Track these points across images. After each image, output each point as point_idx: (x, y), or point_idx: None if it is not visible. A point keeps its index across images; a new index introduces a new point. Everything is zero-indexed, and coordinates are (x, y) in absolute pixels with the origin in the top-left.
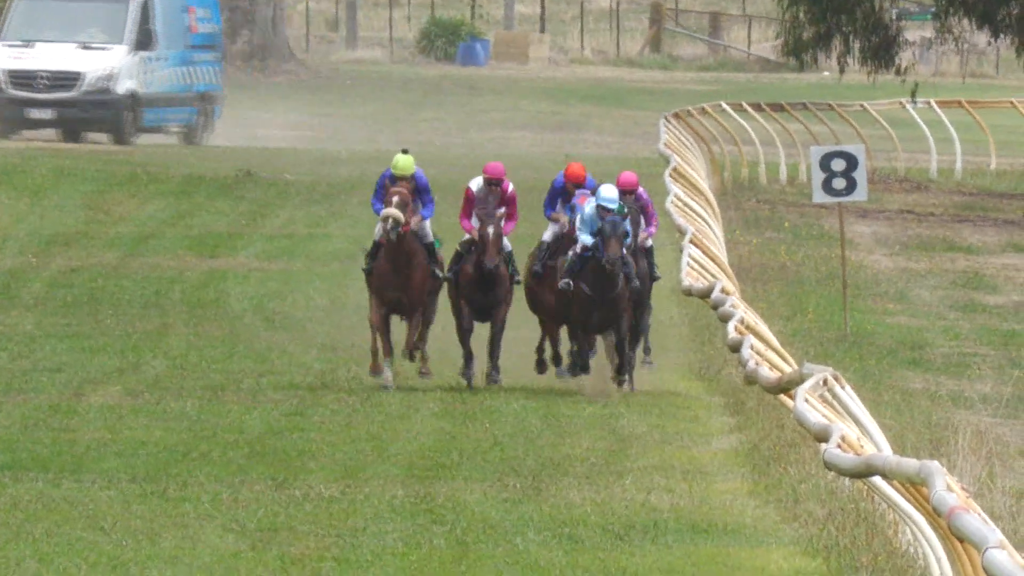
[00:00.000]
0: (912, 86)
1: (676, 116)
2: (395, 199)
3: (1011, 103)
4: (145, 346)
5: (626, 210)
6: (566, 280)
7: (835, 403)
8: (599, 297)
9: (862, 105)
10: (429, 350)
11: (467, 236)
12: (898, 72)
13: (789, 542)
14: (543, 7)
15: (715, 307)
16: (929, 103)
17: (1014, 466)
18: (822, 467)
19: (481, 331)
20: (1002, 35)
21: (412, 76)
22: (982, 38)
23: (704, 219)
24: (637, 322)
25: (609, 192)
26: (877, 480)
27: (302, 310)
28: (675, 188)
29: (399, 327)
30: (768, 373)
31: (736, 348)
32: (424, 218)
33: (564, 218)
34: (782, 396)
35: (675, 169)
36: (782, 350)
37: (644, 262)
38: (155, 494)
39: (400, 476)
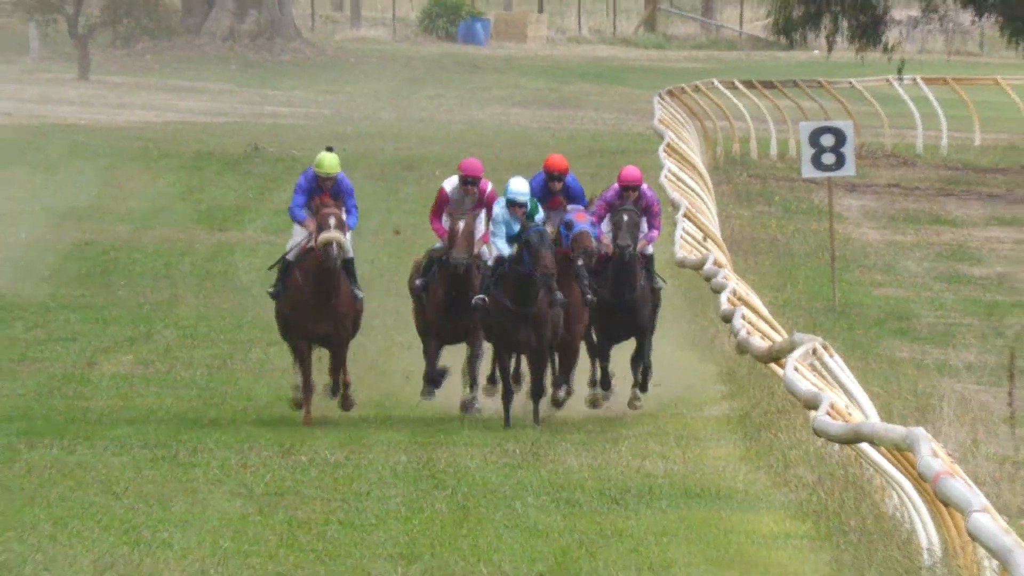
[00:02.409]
0: (899, 64)
1: (670, 93)
2: (332, 220)
3: (995, 80)
4: (156, 316)
5: (541, 210)
6: (480, 297)
7: (824, 372)
8: (520, 311)
9: (850, 82)
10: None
11: (439, 244)
12: (885, 50)
13: (779, 506)
14: None
15: (708, 279)
16: (915, 80)
17: (997, 432)
18: (811, 433)
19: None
20: (986, 14)
21: (414, 55)
22: (967, 17)
23: (697, 193)
24: (640, 347)
25: (519, 185)
26: (865, 446)
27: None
28: (669, 163)
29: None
30: (759, 342)
31: (728, 318)
32: (349, 227)
33: (550, 228)
34: (773, 365)
35: (669, 145)
36: (773, 320)
37: (643, 276)
38: (166, 460)
39: (403, 442)
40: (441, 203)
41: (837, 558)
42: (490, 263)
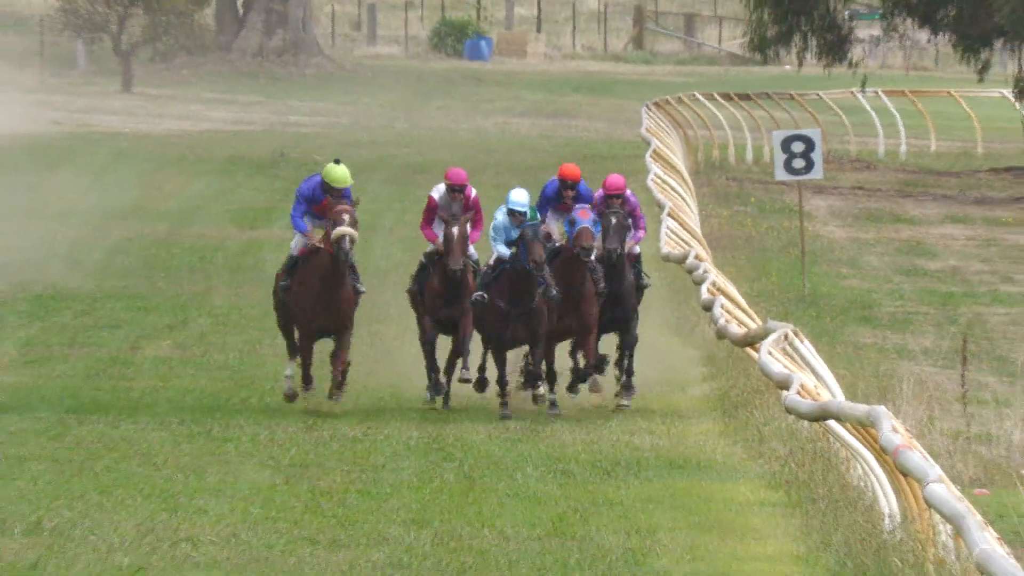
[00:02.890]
0: (862, 78)
1: (656, 104)
2: (346, 217)
3: (949, 93)
4: (192, 306)
5: (538, 216)
6: (480, 294)
7: (795, 355)
8: (515, 310)
9: (818, 94)
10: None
11: (431, 247)
12: (850, 65)
13: (754, 476)
14: (539, 9)
15: (690, 272)
16: (877, 93)
17: (951, 410)
18: (783, 411)
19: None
20: (941, 33)
21: (425, 69)
22: (923, 35)
23: (680, 194)
24: (624, 337)
25: (519, 196)
26: (832, 423)
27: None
28: (655, 167)
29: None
30: (736, 329)
31: (708, 307)
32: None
33: (556, 229)
34: (748, 349)
35: (655, 151)
36: (748, 309)
37: (631, 274)
38: (201, 434)
39: (415, 419)
40: (431, 210)
41: (806, 523)
42: (491, 262)
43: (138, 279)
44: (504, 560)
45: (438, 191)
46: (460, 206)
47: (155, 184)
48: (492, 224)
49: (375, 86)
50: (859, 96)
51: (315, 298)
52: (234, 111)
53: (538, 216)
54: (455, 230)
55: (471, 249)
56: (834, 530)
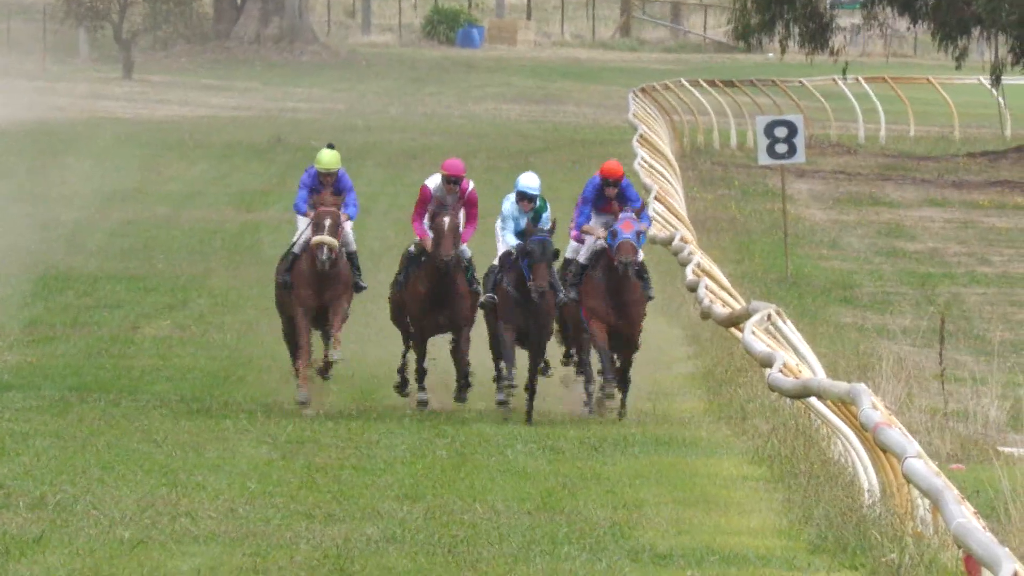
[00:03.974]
0: (843, 65)
1: (643, 91)
2: (327, 221)
3: (927, 79)
4: (191, 286)
5: (548, 207)
6: (489, 295)
7: (777, 335)
8: (525, 301)
9: (800, 81)
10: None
11: (414, 245)
12: (831, 53)
13: (738, 452)
14: None
15: (675, 253)
16: (858, 79)
17: (929, 388)
18: (766, 389)
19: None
20: (920, 21)
21: (418, 57)
22: (903, 24)
23: (666, 178)
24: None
25: (529, 179)
26: (813, 400)
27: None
28: (642, 152)
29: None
30: (720, 309)
31: (693, 288)
32: (350, 218)
33: (601, 231)
34: (732, 329)
35: (642, 136)
36: (732, 290)
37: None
38: (200, 412)
39: (408, 397)
40: (424, 201)
41: (788, 498)
42: (495, 261)
43: (138, 261)
44: (495, 533)
45: (433, 182)
46: (456, 199)
47: (155, 168)
48: (500, 214)
49: (369, 73)
50: (840, 83)
51: (308, 296)
52: (232, 97)
53: (548, 209)
54: (446, 219)
55: (464, 248)
56: (815, 504)
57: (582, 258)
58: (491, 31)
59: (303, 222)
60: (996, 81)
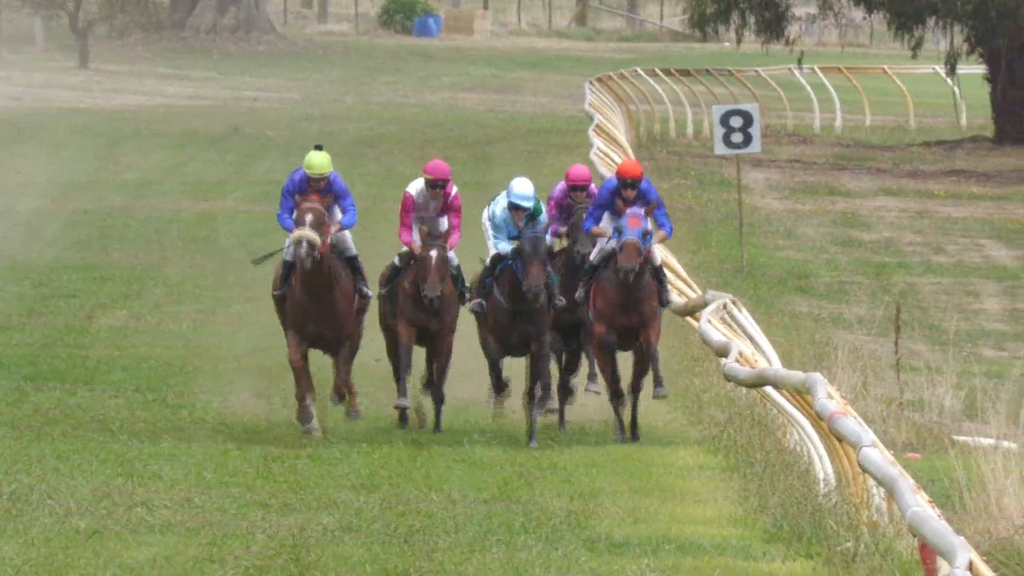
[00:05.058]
0: (799, 54)
1: (599, 80)
2: (308, 217)
3: (883, 69)
4: (147, 276)
5: (544, 209)
6: (478, 301)
7: (733, 324)
8: (517, 310)
9: (756, 71)
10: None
11: (404, 248)
12: (787, 43)
13: (694, 442)
14: None
15: None
16: (813, 69)
17: (884, 377)
18: (722, 378)
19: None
20: (875, 11)
21: (374, 46)
22: (858, 13)
23: None
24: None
25: (522, 187)
26: (769, 389)
27: (282, 245)
28: (598, 142)
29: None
30: (677, 299)
31: None
32: (343, 227)
33: (609, 231)
34: (689, 318)
35: (598, 126)
36: (689, 279)
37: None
38: (156, 402)
39: (365, 387)
40: (408, 208)
41: (744, 487)
42: (487, 261)
43: (94, 250)
44: (451, 523)
45: (415, 187)
46: (439, 204)
47: (111, 158)
48: (487, 216)
49: (326, 62)
50: (796, 72)
51: (303, 308)
52: (188, 87)
53: (543, 211)
54: (433, 252)
55: (452, 256)
56: (771, 493)
57: (593, 257)
58: (448, 20)
59: (290, 244)
60: (951, 70)
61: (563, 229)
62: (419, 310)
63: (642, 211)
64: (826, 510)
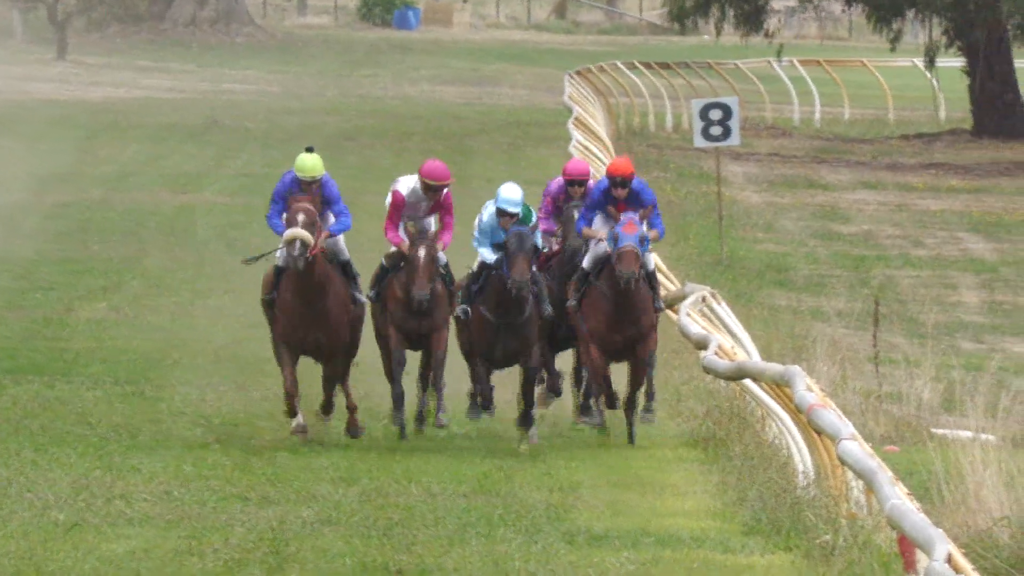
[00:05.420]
0: (778, 47)
1: (578, 73)
2: (300, 217)
3: (862, 62)
4: (126, 269)
5: (534, 216)
6: (463, 307)
7: (712, 317)
8: (503, 322)
9: (736, 64)
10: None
11: (393, 249)
12: (766, 35)
13: (673, 434)
14: None
15: None
16: (792, 62)
17: (863, 370)
18: (701, 371)
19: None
20: (854, 3)
21: (354, 39)
22: (837, 6)
23: (602, 161)
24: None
25: (510, 192)
26: (748, 382)
27: (260, 238)
28: (577, 134)
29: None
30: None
31: None
32: (333, 234)
33: (603, 233)
34: (668, 311)
35: (577, 118)
36: (668, 272)
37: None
38: (134, 394)
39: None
40: (397, 208)
41: (723, 480)
42: (474, 268)
43: (73, 243)
44: (430, 516)
45: (406, 186)
46: (430, 204)
47: (90, 150)
48: (476, 223)
49: (305, 55)
50: (775, 65)
51: (294, 314)
52: (167, 79)
53: (533, 217)
54: (422, 252)
55: (440, 255)
56: (750, 486)
57: (586, 263)
58: (427, 13)
59: (282, 250)
60: (930, 64)
61: (556, 228)
62: (409, 316)
63: (637, 216)
64: (805, 503)
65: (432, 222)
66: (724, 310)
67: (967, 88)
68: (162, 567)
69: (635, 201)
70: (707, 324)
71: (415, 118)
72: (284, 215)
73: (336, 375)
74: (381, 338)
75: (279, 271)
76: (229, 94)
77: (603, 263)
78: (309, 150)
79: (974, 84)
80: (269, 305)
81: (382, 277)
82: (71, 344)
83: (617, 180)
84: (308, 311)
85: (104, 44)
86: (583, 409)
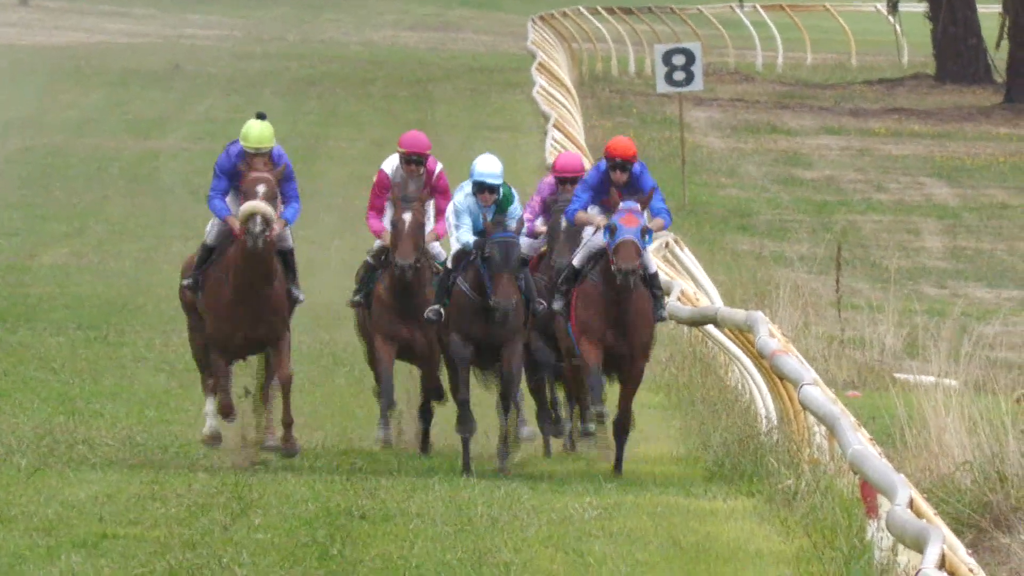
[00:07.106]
0: None
1: (541, 18)
2: (260, 188)
3: (825, 7)
4: (89, 214)
5: (515, 198)
6: (434, 308)
7: (675, 263)
8: (487, 309)
9: (698, 9)
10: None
11: (378, 243)
12: None
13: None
14: None
15: None
16: (755, 7)
17: (825, 315)
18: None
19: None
20: None
21: None
22: None
23: (565, 106)
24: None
25: (488, 165)
26: (710, 328)
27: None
28: (540, 80)
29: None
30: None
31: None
32: (288, 223)
33: (600, 219)
34: None
35: (540, 64)
36: None
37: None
38: (97, 340)
39: (307, 325)
40: (381, 189)
41: (686, 425)
42: (449, 262)
43: (35, 189)
44: (394, 462)
45: (390, 165)
46: (419, 184)
47: (52, 95)
48: (450, 210)
49: (268, 0)
50: (738, 10)
51: (227, 303)
52: (129, 23)
53: (515, 199)
54: (407, 215)
55: (436, 247)
56: (713, 431)
57: (576, 260)
58: None
59: (216, 224)
60: (893, 8)
61: (543, 228)
62: (398, 321)
63: (638, 206)
64: (767, 448)
65: (429, 209)
66: (687, 256)
67: (930, 33)
68: (125, 512)
69: (634, 187)
70: (670, 270)
71: (377, 63)
72: (240, 189)
73: (278, 363)
74: (369, 348)
75: (208, 252)
76: (192, 39)
77: (598, 258)
78: (260, 116)
79: (936, 29)
80: (191, 291)
81: (369, 278)
82: (34, 290)
83: (617, 163)
84: (248, 303)
85: None
86: (584, 433)
